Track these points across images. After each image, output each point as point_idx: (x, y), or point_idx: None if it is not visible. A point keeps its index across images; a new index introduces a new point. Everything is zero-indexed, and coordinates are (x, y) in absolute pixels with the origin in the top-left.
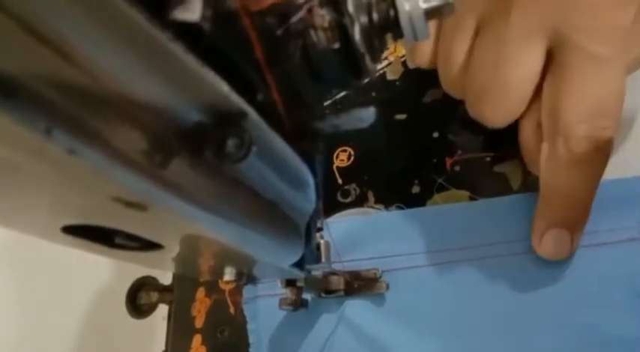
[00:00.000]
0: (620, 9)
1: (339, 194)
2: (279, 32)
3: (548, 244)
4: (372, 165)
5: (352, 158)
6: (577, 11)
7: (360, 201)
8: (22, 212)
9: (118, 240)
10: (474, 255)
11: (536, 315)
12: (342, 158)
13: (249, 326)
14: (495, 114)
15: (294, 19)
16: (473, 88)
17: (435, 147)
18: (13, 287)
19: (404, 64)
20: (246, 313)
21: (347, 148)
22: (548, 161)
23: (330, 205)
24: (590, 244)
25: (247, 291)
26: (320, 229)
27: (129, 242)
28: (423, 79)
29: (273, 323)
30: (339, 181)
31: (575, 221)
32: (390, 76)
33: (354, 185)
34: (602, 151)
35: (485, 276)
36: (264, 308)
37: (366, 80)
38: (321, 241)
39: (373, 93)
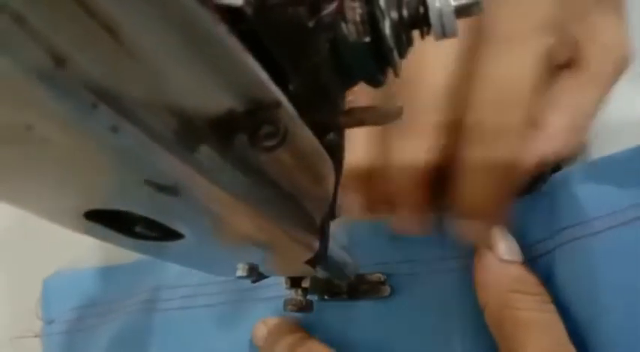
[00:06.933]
0: None
1: None
2: (310, 24)
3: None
4: None
5: None
6: None
7: None
8: (47, 193)
9: (137, 229)
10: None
11: None
12: None
13: None
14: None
15: (327, 10)
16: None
17: None
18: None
19: None
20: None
21: None
22: None
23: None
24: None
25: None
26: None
27: (148, 231)
28: None
29: None
30: None
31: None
32: None
33: None
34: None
35: None
36: None
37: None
38: (332, 241)
39: None
